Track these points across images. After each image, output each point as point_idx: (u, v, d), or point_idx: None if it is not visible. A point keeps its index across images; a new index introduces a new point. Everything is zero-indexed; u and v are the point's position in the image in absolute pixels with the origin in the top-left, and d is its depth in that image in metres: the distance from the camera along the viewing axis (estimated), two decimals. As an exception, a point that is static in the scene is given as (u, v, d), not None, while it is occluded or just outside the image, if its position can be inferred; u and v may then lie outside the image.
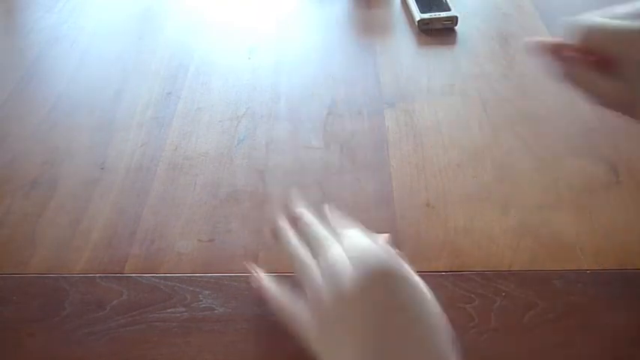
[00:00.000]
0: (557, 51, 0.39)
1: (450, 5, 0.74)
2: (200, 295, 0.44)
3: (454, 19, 0.72)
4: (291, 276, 0.45)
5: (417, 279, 0.30)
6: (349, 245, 0.33)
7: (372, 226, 0.49)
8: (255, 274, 0.41)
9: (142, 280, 0.45)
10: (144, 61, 0.69)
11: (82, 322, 0.43)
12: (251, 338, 0.41)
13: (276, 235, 0.40)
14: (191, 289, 0.45)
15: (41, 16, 0.78)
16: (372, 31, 0.74)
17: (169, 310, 0.43)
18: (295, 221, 0.40)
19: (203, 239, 0.48)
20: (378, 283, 0.30)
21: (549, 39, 0.40)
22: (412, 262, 0.46)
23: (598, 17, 0.38)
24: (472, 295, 0.44)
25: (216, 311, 0.43)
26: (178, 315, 0.43)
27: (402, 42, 0.71)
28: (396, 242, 0.48)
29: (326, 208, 0.42)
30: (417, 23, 0.72)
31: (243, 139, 0.58)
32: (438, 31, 0.73)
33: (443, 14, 0.72)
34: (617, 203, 0.50)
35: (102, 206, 0.51)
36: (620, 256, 0.46)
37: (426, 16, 0.72)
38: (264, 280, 0.40)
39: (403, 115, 0.60)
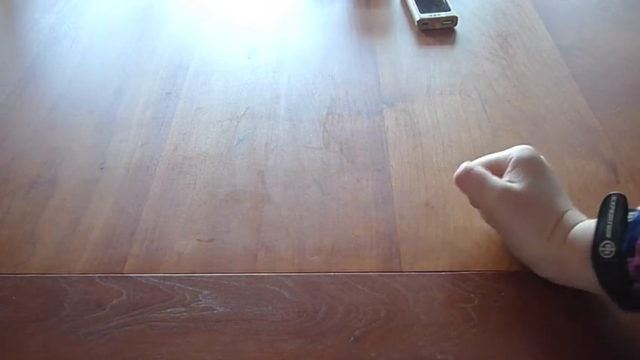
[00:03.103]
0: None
1: (450, 5, 0.74)
2: (199, 295, 0.44)
3: (454, 19, 0.72)
4: (291, 275, 0.45)
5: None
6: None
7: (371, 226, 0.49)
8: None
9: (141, 280, 0.45)
10: (144, 61, 0.69)
11: (81, 322, 0.43)
12: (251, 338, 0.41)
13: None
14: (190, 289, 0.45)
15: (41, 16, 0.78)
16: (372, 31, 0.74)
17: (169, 310, 0.43)
18: None
19: (202, 239, 0.48)
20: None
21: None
22: (412, 262, 0.46)
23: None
24: (472, 295, 0.44)
25: (215, 311, 0.43)
26: (178, 315, 0.43)
27: (402, 42, 0.71)
28: (395, 242, 0.48)
29: None
30: (416, 23, 0.72)
31: (243, 139, 0.58)
32: (437, 31, 0.73)
33: (443, 14, 0.72)
34: (616, 203, 0.50)
35: (101, 206, 0.51)
36: (620, 256, 0.46)
37: (426, 16, 0.72)
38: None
39: (403, 114, 0.60)
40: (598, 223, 0.38)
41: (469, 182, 0.45)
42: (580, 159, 0.54)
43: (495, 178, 0.43)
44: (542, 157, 0.44)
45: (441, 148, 0.56)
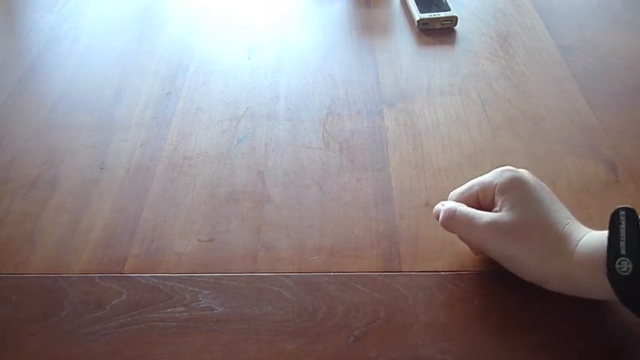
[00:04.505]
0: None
1: (450, 5, 0.74)
2: (199, 295, 0.44)
3: (454, 19, 0.72)
4: (291, 275, 0.45)
5: None
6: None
7: (371, 226, 0.49)
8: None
9: (141, 280, 0.45)
10: (144, 61, 0.69)
11: (81, 322, 0.43)
12: (251, 338, 0.41)
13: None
14: (190, 289, 0.45)
15: (41, 16, 0.78)
16: (372, 31, 0.74)
17: (169, 310, 0.43)
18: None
19: (202, 239, 0.48)
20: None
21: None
22: (412, 262, 0.46)
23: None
24: (472, 295, 0.44)
25: (215, 311, 0.43)
26: (178, 315, 0.43)
27: (402, 42, 0.71)
28: (394, 242, 0.48)
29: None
30: (416, 23, 0.72)
31: (243, 139, 0.58)
32: (437, 31, 0.73)
33: (442, 14, 0.72)
34: (616, 203, 0.50)
35: (101, 206, 0.51)
36: (620, 256, 0.46)
37: (426, 16, 0.72)
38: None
39: (403, 114, 0.60)
40: (610, 238, 0.37)
41: (455, 225, 0.44)
42: (580, 159, 0.54)
43: (481, 214, 0.43)
44: (525, 174, 0.43)
45: (441, 148, 0.56)
